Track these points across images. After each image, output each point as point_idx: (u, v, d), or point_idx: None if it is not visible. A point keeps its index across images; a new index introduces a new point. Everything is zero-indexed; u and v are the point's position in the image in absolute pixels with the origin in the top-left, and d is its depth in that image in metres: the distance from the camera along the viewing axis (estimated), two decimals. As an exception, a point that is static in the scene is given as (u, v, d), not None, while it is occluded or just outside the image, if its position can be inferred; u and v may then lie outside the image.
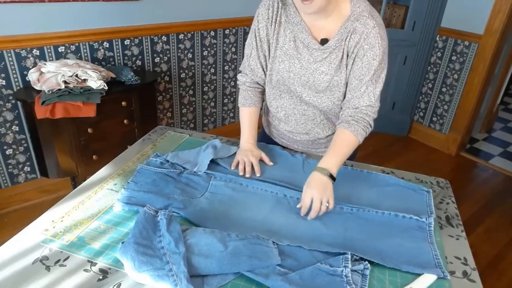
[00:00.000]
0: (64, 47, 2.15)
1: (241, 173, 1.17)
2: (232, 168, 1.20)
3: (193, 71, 2.79)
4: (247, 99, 1.31)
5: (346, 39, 1.10)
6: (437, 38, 3.13)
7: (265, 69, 1.26)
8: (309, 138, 1.32)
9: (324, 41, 1.12)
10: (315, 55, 1.13)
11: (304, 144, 1.35)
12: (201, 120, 3.03)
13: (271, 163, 1.24)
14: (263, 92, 1.34)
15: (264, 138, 1.46)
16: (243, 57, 3.17)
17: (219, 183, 1.11)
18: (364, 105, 1.13)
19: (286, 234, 0.93)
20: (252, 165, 1.19)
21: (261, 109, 1.40)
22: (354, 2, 1.08)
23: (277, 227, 0.96)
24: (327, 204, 0.99)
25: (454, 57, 3.07)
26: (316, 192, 0.99)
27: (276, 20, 1.15)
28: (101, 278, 0.81)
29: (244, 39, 2.97)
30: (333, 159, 1.07)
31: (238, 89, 1.34)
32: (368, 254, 0.87)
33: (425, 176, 1.24)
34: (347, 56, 1.11)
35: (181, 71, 2.73)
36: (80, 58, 2.23)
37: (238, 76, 1.32)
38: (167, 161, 1.19)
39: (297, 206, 1.02)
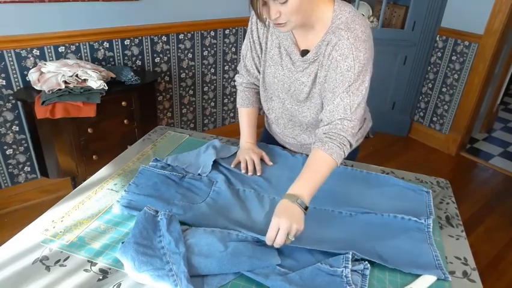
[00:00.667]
0: (64, 47, 2.15)
1: (243, 171, 1.18)
2: (232, 166, 1.21)
3: (193, 71, 2.79)
4: (245, 100, 1.31)
5: (324, 52, 1.06)
6: (437, 38, 3.13)
7: (260, 70, 1.26)
8: (297, 143, 1.32)
9: (304, 53, 1.10)
10: (297, 65, 1.12)
11: (293, 147, 1.37)
12: (201, 120, 3.03)
13: (271, 163, 1.24)
14: (259, 93, 1.35)
15: (266, 137, 1.46)
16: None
17: (221, 189, 1.10)
18: (338, 118, 1.03)
19: None
20: (254, 164, 1.20)
21: (261, 109, 1.41)
22: (336, 12, 1.03)
23: None
24: (293, 239, 0.87)
25: (454, 57, 3.07)
26: (284, 223, 0.86)
27: (265, 23, 1.14)
28: (101, 278, 0.81)
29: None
30: (305, 185, 0.95)
31: (236, 89, 1.35)
32: (368, 256, 0.87)
33: (425, 176, 1.24)
34: (323, 67, 1.07)
35: (181, 71, 2.73)
36: (80, 58, 2.23)
37: (236, 77, 1.33)
38: (168, 165, 1.19)
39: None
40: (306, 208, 0.92)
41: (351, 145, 1.04)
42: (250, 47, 1.22)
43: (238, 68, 1.33)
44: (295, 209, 0.90)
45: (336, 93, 1.04)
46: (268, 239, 0.87)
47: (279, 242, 0.86)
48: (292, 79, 1.14)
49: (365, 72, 1.03)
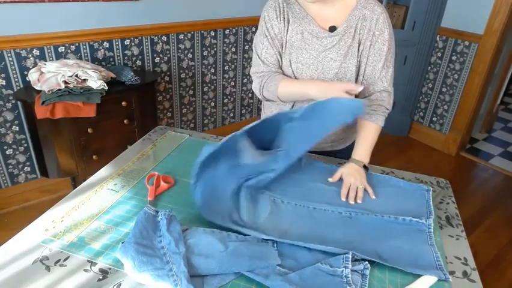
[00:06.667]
0: (63, 47, 2.15)
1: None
2: (332, 180, 1.15)
3: (193, 71, 2.79)
4: (274, 80, 1.18)
5: (356, 26, 1.15)
6: (437, 38, 3.13)
7: (280, 63, 1.23)
8: None
9: (332, 29, 1.17)
10: (325, 43, 1.17)
11: None
12: (201, 120, 3.03)
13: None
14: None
15: None
16: (243, 57, 3.17)
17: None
18: (378, 91, 1.21)
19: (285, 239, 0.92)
20: None
21: (261, 109, 1.41)
22: None
23: (276, 233, 0.94)
24: (362, 186, 1.10)
25: (454, 57, 3.07)
26: (354, 180, 1.11)
27: (284, 18, 1.20)
28: (101, 278, 0.81)
29: (245, 39, 2.97)
30: (364, 151, 1.19)
31: (257, 99, 1.30)
32: (368, 256, 0.87)
33: (425, 176, 1.24)
34: (358, 43, 1.16)
35: (181, 71, 2.73)
36: (80, 58, 2.23)
37: (254, 80, 1.24)
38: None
39: (329, 180, 1.15)
40: (366, 168, 1.17)
41: (389, 110, 1.24)
42: (270, 43, 1.20)
43: (252, 72, 1.26)
44: (361, 170, 1.15)
45: (376, 67, 1.18)
46: (342, 195, 1.08)
47: (352, 195, 1.07)
48: (319, 58, 1.18)
49: (393, 43, 1.20)
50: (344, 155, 1.34)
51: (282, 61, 1.23)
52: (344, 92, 1.04)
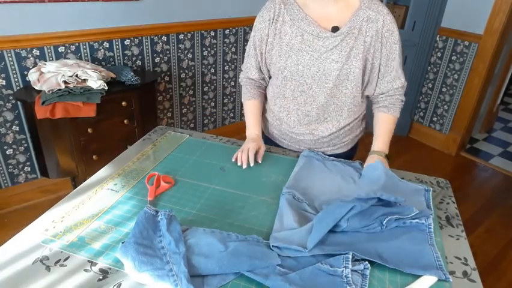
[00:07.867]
0: (63, 47, 2.15)
1: (234, 160, 1.23)
2: (233, 159, 1.24)
3: (193, 71, 2.79)
4: (246, 93, 1.39)
5: (361, 28, 1.14)
6: (437, 38, 3.13)
7: (262, 68, 1.31)
8: (312, 138, 1.32)
9: (335, 29, 1.16)
10: (327, 43, 1.16)
11: (307, 144, 1.35)
12: (201, 120, 3.04)
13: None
14: (261, 88, 1.39)
15: (264, 141, 1.45)
16: (243, 57, 3.17)
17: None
18: (396, 88, 1.24)
19: (286, 240, 0.91)
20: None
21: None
22: None
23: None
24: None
25: (454, 57, 3.07)
26: (382, 164, 1.15)
27: (278, 19, 1.20)
28: (101, 278, 0.81)
29: (244, 39, 2.97)
30: (384, 142, 1.27)
31: (241, 86, 1.41)
32: (369, 256, 0.87)
33: (425, 176, 1.24)
34: (364, 44, 1.15)
35: (181, 71, 2.73)
36: (80, 58, 2.23)
37: (240, 74, 1.41)
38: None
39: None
40: (388, 157, 1.24)
41: (403, 101, 1.30)
42: (254, 44, 1.27)
43: (242, 66, 1.39)
44: (384, 160, 1.22)
45: (391, 66, 1.20)
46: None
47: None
48: (320, 60, 1.17)
49: (400, 41, 1.20)
50: (344, 158, 1.34)
51: (264, 61, 1.29)
52: (250, 152, 1.21)
